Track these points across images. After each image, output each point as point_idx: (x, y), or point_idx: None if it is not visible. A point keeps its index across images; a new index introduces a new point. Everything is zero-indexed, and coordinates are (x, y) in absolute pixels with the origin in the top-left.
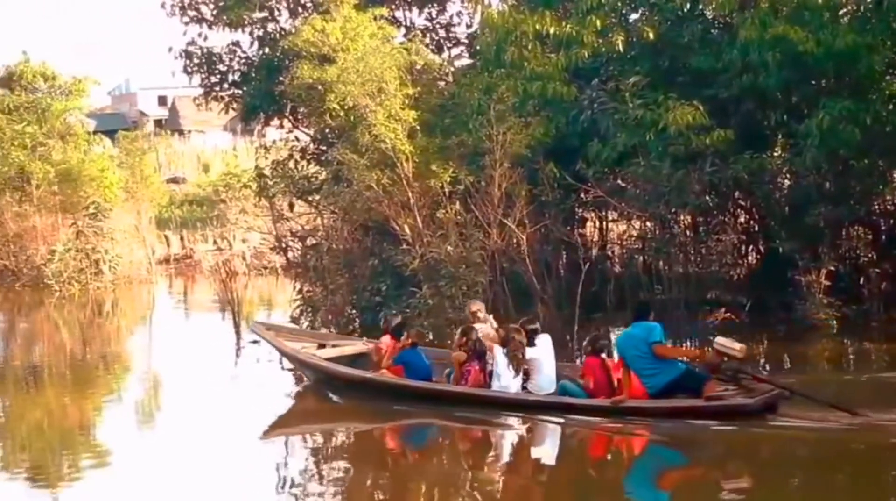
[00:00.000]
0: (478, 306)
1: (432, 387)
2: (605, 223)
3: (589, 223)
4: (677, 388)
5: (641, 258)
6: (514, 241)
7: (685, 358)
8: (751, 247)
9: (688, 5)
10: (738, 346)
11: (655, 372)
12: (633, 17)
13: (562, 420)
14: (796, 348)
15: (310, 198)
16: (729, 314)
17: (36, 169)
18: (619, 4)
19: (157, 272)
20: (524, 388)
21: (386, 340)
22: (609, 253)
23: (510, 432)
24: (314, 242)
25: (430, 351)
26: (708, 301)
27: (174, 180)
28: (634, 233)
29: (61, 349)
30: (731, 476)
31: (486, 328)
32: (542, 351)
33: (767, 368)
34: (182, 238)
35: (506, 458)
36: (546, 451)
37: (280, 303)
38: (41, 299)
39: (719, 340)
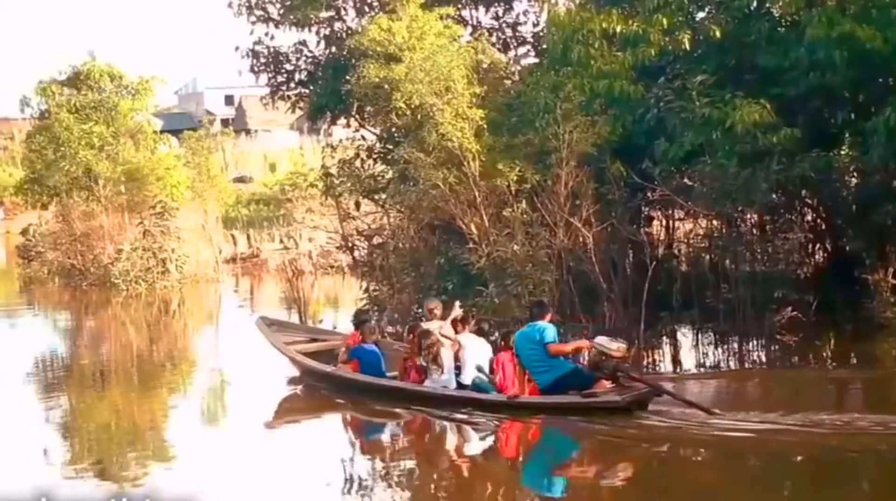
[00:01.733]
0: (434, 305)
1: (361, 379)
2: (671, 222)
3: (655, 222)
4: (566, 385)
5: (708, 257)
6: (581, 240)
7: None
8: (818, 246)
9: (755, 3)
10: (615, 346)
11: (546, 370)
12: (700, 15)
13: (465, 415)
14: (863, 346)
15: (376, 197)
16: (795, 312)
17: (103, 168)
18: (686, 2)
19: (224, 271)
20: (458, 382)
21: (350, 335)
22: (676, 252)
23: (414, 425)
24: (380, 241)
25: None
26: (775, 300)
27: (241, 180)
28: (701, 232)
29: (128, 348)
30: (609, 467)
31: (433, 325)
32: (469, 346)
33: (833, 365)
34: (249, 237)
35: (398, 451)
36: (448, 444)
37: (346, 302)
38: (108, 298)
39: (599, 339)
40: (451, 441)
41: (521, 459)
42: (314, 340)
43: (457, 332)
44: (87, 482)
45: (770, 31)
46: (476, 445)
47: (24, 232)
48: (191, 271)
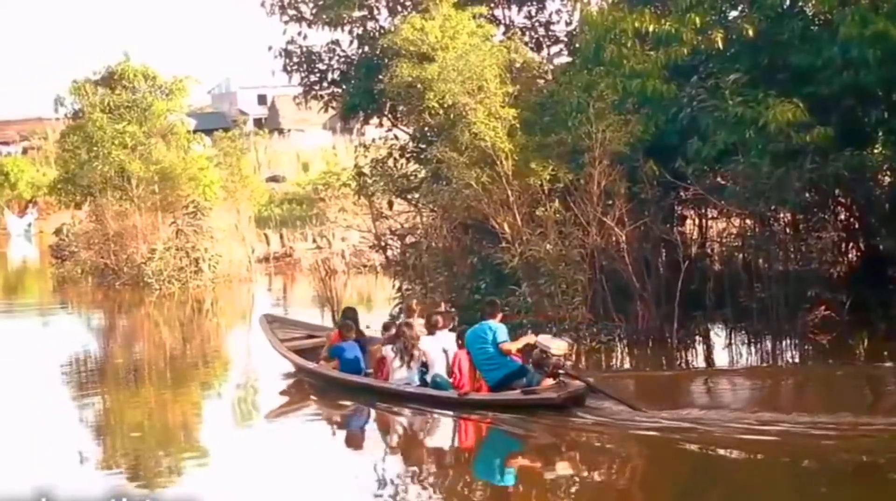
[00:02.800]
0: (416, 303)
1: (335, 376)
2: (704, 221)
3: (688, 221)
4: (514, 383)
5: (741, 256)
6: (614, 239)
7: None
8: (851, 245)
9: (787, 2)
10: (556, 344)
11: (495, 368)
12: (733, 14)
13: (426, 411)
14: None
15: (409, 196)
16: (828, 311)
17: (136, 168)
18: (719, 1)
19: (257, 271)
20: (424, 379)
21: (333, 333)
22: (708, 251)
23: (374, 420)
24: (413, 240)
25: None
26: (808, 299)
27: (274, 179)
28: (734, 231)
29: (161, 347)
30: (552, 459)
31: (414, 323)
32: (439, 345)
33: (862, 360)
34: (282, 237)
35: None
36: (407, 438)
37: (379, 301)
38: (141, 297)
39: (541, 338)
40: (403, 435)
41: (466, 452)
42: (311, 336)
43: (437, 329)
44: (119, 481)
45: (803, 29)
46: (426, 439)
47: (58, 232)
48: (224, 270)
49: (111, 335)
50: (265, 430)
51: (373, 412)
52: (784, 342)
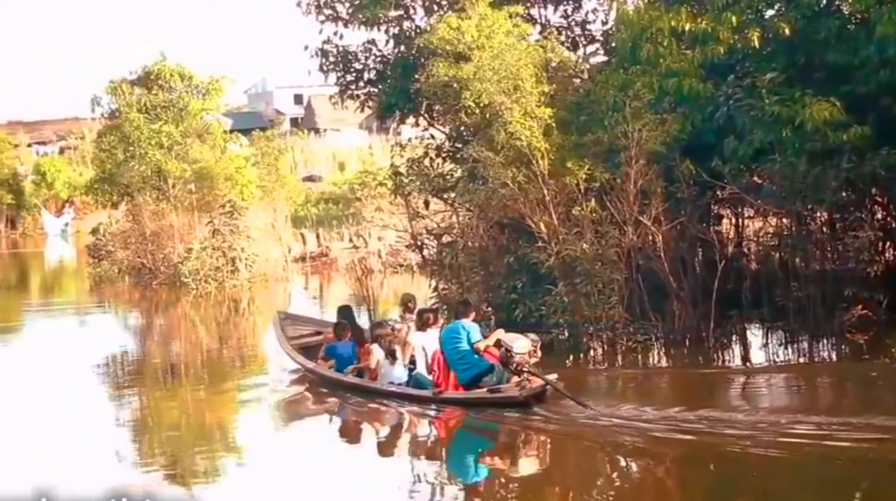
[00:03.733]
0: (409, 299)
1: (326, 375)
2: (741, 220)
3: (725, 220)
4: (484, 381)
5: (778, 255)
6: (650, 238)
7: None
8: (888, 243)
9: (824, 1)
10: (518, 344)
11: (468, 367)
12: (769, 12)
13: (408, 408)
14: None
15: (445, 196)
16: (865, 311)
17: (172, 168)
18: (755, 0)
19: (293, 270)
20: (412, 376)
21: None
22: (745, 250)
23: (353, 417)
24: (450, 239)
25: None
26: (844, 298)
27: (310, 179)
28: (771, 230)
29: (197, 346)
30: (515, 456)
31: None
32: (427, 342)
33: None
34: (318, 236)
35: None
36: (382, 435)
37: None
38: (178, 297)
39: (506, 336)
40: (378, 432)
41: (435, 448)
42: (318, 333)
43: (428, 326)
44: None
45: (840, 28)
46: (397, 435)
47: (95, 231)
48: (260, 270)
49: (148, 334)
50: (295, 429)
51: (352, 410)
52: (821, 342)
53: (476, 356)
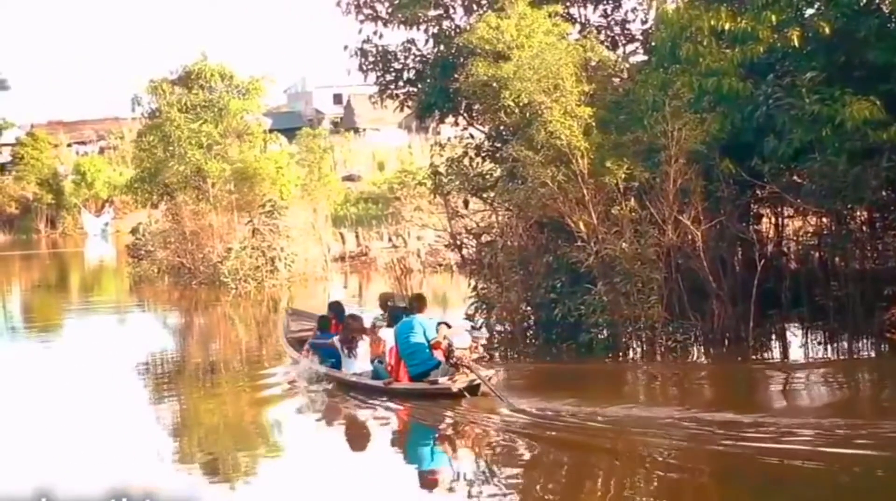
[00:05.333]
0: (387, 296)
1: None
2: (780, 219)
3: (764, 219)
4: (431, 373)
5: (817, 254)
6: (690, 237)
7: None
8: None
9: (864, 0)
10: (458, 340)
11: (418, 361)
12: (809, 11)
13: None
14: None
15: (484, 195)
16: None
17: (212, 168)
18: None
19: (333, 270)
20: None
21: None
22: (785, 249)
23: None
24: (489, 239)
25: None
26: (884, 297)
27: (350, 178)
28: (810, 229)
29: (237, 346)
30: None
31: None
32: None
33: None
34: (357, 236)
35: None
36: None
37: (454, 300)
38: (217, 296)
39: (449, 332)
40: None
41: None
42: None
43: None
44: (196, 478)
45: (880, 27)
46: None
47: (134, 231)
48: (299, 269)
49: (188, 333)
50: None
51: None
52: (860, 341)
53: (427, 352)
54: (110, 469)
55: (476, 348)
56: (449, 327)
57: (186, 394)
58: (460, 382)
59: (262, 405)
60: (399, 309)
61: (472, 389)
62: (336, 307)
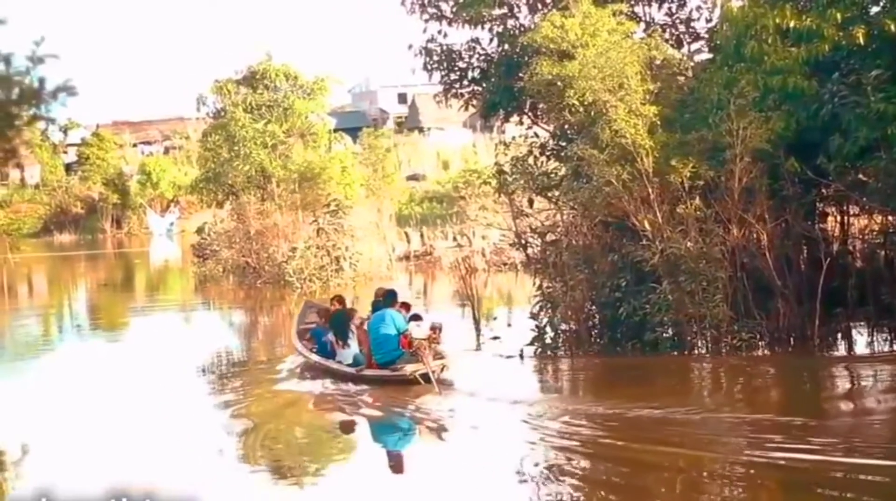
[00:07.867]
0: (382, 292)
1: (304, 354)
2: (846, 218)
3: (830, 218)
4: (397, 362)
5: (883, 253)
6: (755, 236)
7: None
8: None
9: None
10: (416, 332)
11: (385, 351)
12: (875, 9)
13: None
14: None
15: (549, 194)
16: None
17: (276, 167)
18: None
19: (397, 269)
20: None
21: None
22: (850, 248)
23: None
24: (553, 238)
25: None
26: None
27: (414, 177)
28: (876, 227)
29: None
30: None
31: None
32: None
33: None
34: (422, 235)
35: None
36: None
37: (519, 299)
38: (282, 296)
39: (411, 324)
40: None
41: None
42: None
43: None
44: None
45: None
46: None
47: (199, 231)
48: (364, 268)
49: (253, 332)
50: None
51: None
52: None
53: (394, 343)
54: (175, 466)
55: (436, 338)
56: (420, 319)
57: (250, 392)
58: (411, 369)
59: (327, 405)
60: (378, 303)
61: (425, 376)
62: (338, 301)
